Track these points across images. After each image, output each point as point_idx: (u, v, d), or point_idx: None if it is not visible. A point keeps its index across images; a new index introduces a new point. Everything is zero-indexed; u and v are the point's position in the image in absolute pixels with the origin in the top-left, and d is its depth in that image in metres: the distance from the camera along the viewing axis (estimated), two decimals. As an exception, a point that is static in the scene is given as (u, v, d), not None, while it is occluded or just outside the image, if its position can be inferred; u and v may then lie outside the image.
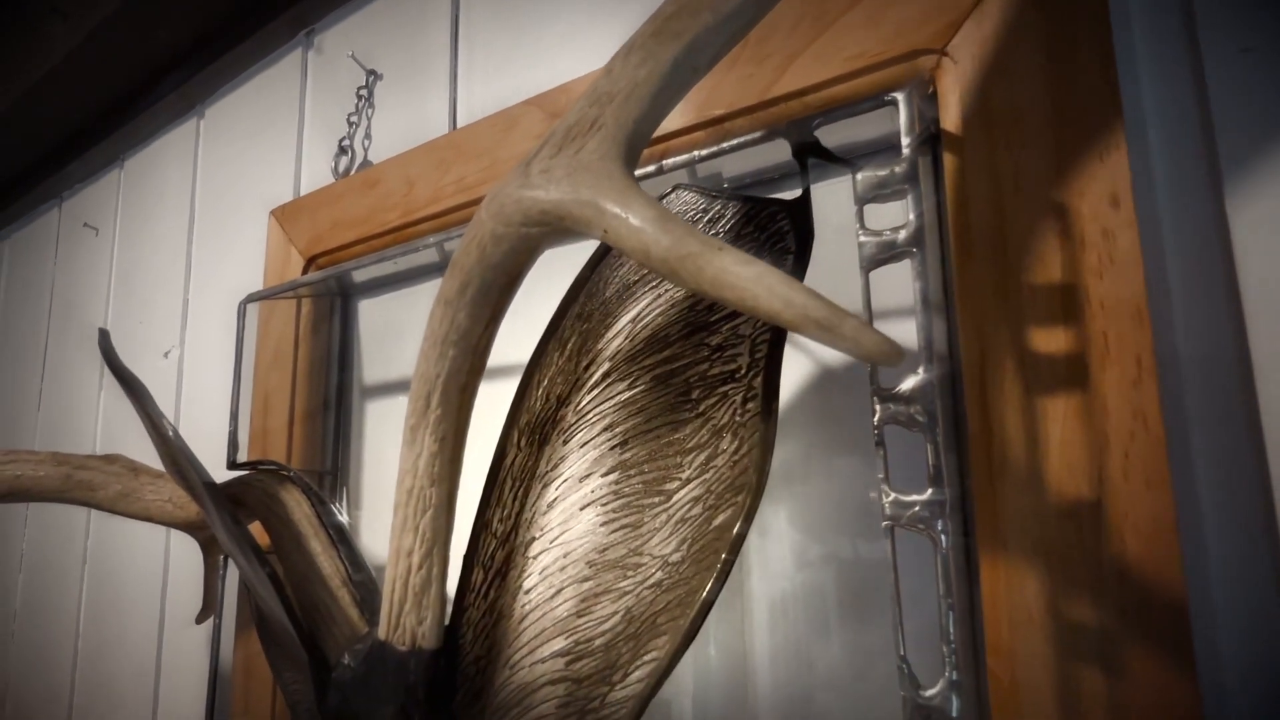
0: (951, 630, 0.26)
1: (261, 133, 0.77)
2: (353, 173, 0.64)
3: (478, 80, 0.59)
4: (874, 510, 0.37)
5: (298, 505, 0.47)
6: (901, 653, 0.27)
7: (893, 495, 0.28)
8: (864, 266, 0.30)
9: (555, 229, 0.28)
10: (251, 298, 0.58)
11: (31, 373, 1.07)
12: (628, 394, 0.35)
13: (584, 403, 0.36)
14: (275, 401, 0.62)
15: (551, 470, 0.37)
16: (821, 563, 0.39)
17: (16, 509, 1.03)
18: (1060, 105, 0.31)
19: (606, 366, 0.36)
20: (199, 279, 0.82)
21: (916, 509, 0.27)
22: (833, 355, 0.39)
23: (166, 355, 0.84)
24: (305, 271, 0.62)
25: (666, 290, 0.34)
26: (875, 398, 0.29)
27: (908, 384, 0.28)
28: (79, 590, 0.90)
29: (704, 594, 0.31)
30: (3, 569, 1.05)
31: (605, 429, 0.35)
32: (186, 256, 0.84)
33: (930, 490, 0.27)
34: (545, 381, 0.38)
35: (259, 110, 0.78)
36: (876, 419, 0.29)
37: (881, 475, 0.28)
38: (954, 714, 0.25)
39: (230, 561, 0.58)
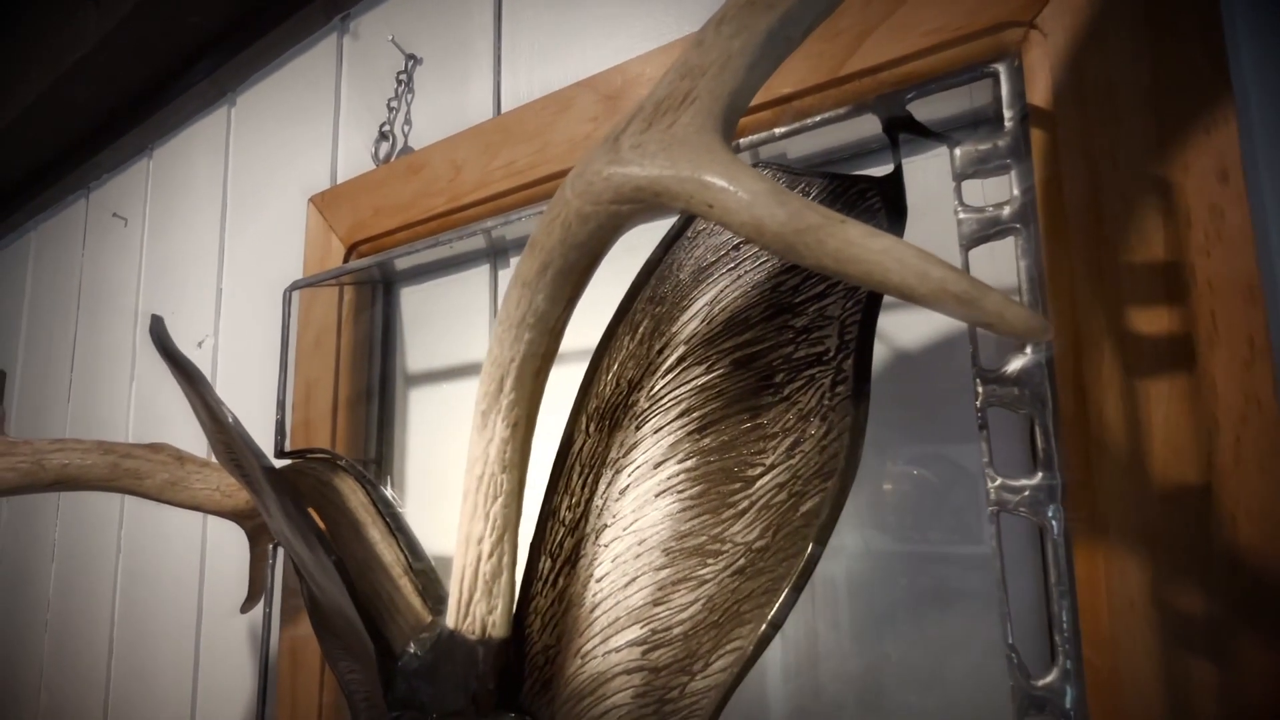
0: (1064, 618, 0.25)
1: (296, 120, 0.77)
2: (394, 159, 0.64)
3: (522, 63, 0.58)
4: (954, 497, 0.36)
5: (353, 493, 0.46)
6: (1010, 641, 0.26)
7: (999, 480, 0.27)
8: (963, 244, 0.29)
9: (649, 206, 0.27)
10: (298, 284, 0.57)
11: (60, 364, 1.07)
12: (705, 378, 0.34)
13: (658, 387, 0.36)
14: (318, 390, 0.61)
15: (624, 456, 0.36)
16: (898, 552, 0.38)
17: (48, 498, 1.04)
18: (1161, 77, 0.30)
19: (682, 350, 0.35)
20: (232, 268, 0.82)
21: (1026, 494, 0.26)
22: (914, 337, 0.38)
23: (200, 345, 0.83)
24: (347, 259, 0.62)
25: (746, 272, 0.34)
26: (978, 380, 0.28)
27: (1013, 366, 0.27)
28: (113, 580, 0.90)
29: (791, 581, 0.30)
30: (35, 559, 1.05)
31: (681, 414, 0.35)
32: (219, 245, 0.84)
33: (1040, 474, 0.26)
34: (615, 366, 0.37)
35: (293, 97, 0.78)
36: (980, 402, 0.28)
37: (986, 460, 0.27)
38: (1068, 704, 0.24)
39: (279, 550, 0.57)
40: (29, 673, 1.01)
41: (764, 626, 0.31)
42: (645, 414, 0.36)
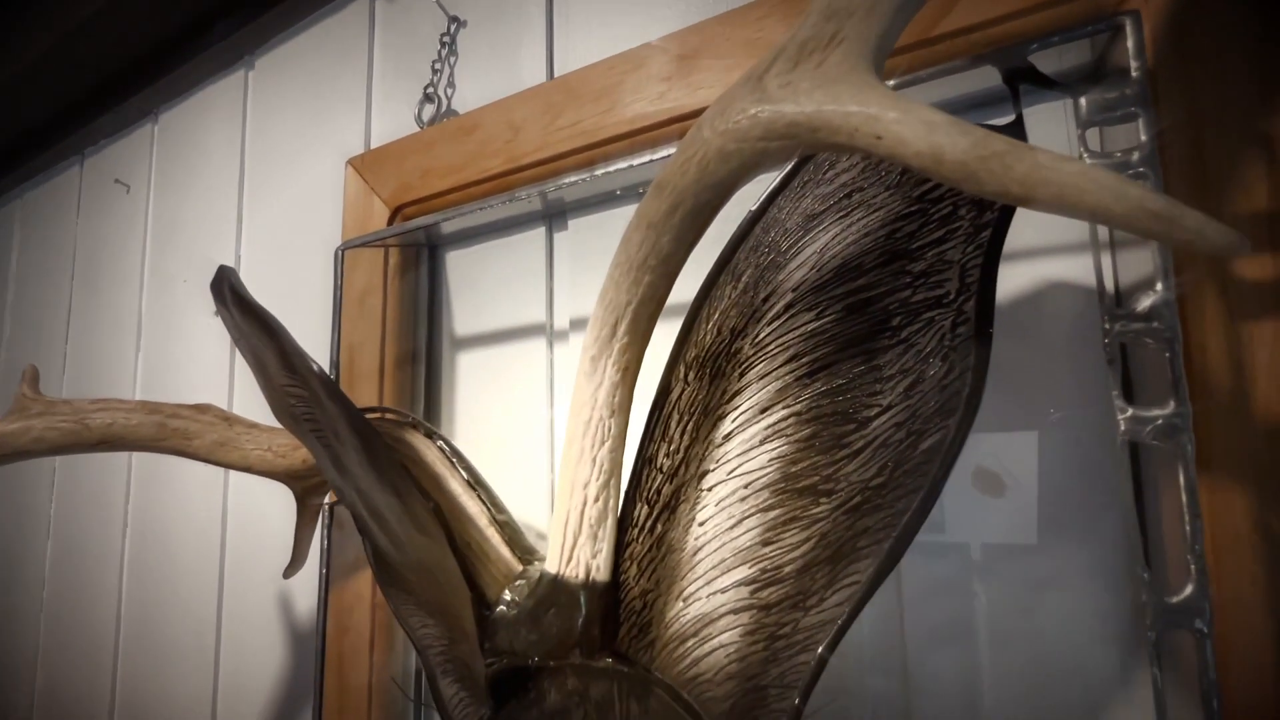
0: (1198, 542, 0.26)
1: (324, 83, 0.75)
2: (440, 121, 0.63)
3: (576, 25, 0.58)
4: (1053, 430, 0.37)
5: (427, 448, 0.46)
6: (1145, 561, 0.27)
7: (1130, 411, 0.28)
8: (1088, 189, 0.30)
9: (802, 142, 0.27)
10: (350, 244, 0.57)
11: (53, 335, 1.04)
12: (815, 324, 0.35)
13: (763, 335, 0.36)
14: (362, 354, 0.60)
15: (727, 403, 0.37)
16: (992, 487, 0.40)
17: (43, 472, 1.00)
18: (1271, 30, 0.31)
19: (789, 297, 0.36)
20: (253, 235, 0.80)
21: (1159, 422, 0.27)
22: (1026, 281, 0.39)
23: (216, 313, 0.81)
24: (391, 221, 0.61)
25: (857, 220, 0.34)
26: (1107, 317, 0.29)
27: (1145, 304, 0.28)
28: (120, 556, 0.88)
29: (909, 516, 0.32)
30: (29, 535, 1.01)
31: (789, 360, 0.35)
32: (237, 212, 0.82)
33: (1173, 404, 0.27)
34: (716, 315, 0.38)
35: (321, 60, 0.76)
36: (1109, 338, 0.29)
37: (1116, 392, 0.29)
38: (1200, 621, 0.26)
39: (333, 512, 0.57)
40: (24, 652, 0.97)
41: (882, 560, 0.32)
42: (750, 361, 0.36)
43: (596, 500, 0.36)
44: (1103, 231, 0.35)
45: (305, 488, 0.55)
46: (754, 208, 0.37)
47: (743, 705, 0.35)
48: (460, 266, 0.62)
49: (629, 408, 0.36)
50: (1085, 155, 0.30)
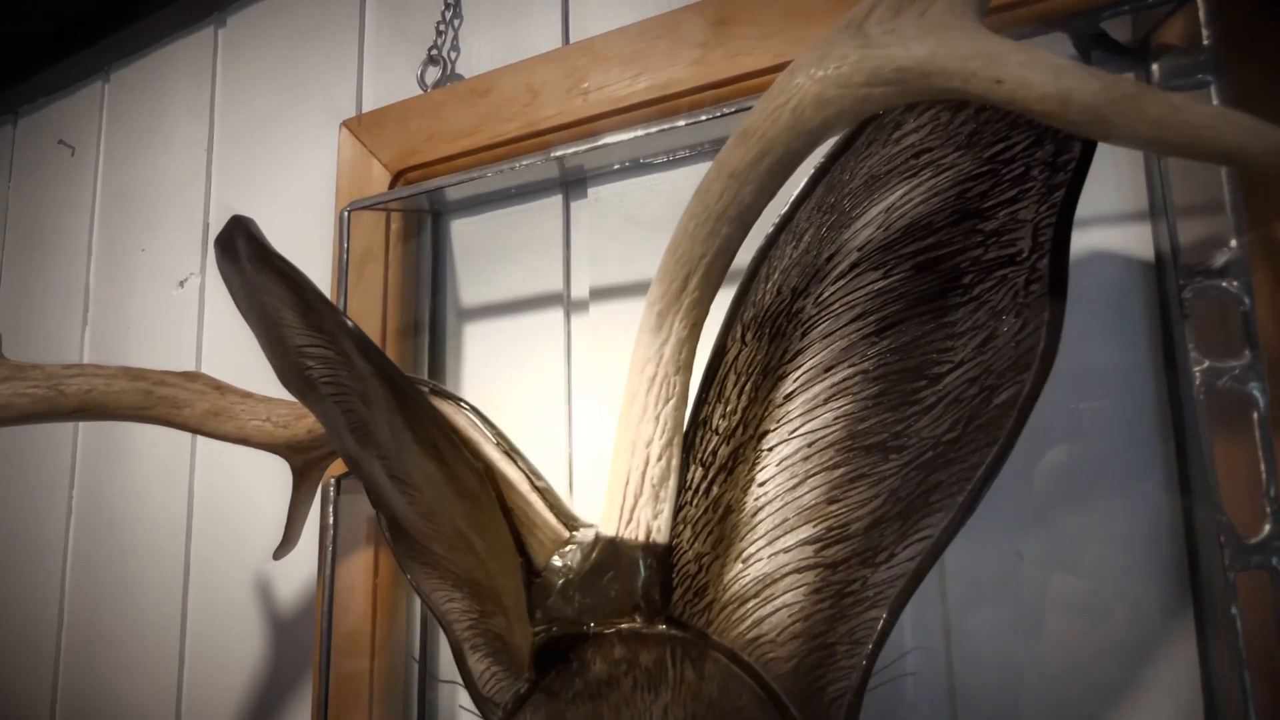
0: (1273, 485, 0.28)
1: (308, 43, 0.72)
2: (446, 85, 0.61)
3: (593, -10, 0.57)
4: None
5: (457, 413, 0.44)
6: (1221, 506, 0.28)
7: (1206, 363, 0.29)
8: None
9: (910, 88, 0.27)
10: (357, 205, 0.54)
11: (-20, 308, 0.95)
12: (883, 282, 0.35)
13: (827, 294, 0.36)
14: (362, 323, 0.57)
15: (788, 363, 0.37)
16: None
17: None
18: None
19: (855, 257, 0.36)
20: (223, 202, 0.75)
21: (1235, 372, 0.29)
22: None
23: (183, 284, 0.76)
24: (393, 186, 0.59)
25: (926, 180, 0.35)
26: (1180, 274, 0.30)
27: (1219, 260, 0.30)
28: (63, 547, 0.81)
29: (983, 469, 0.32)
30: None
31: (855, 319, 0.35)
32: (206, 177, 0.77)
33: (1247, 353, 0.29)
34: (776, 275, 0.37)
35: (304, 19, 0.72)
36: (1186, 292, 0.30)
37: (1191, 345, 0.30)
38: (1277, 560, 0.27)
39: (339, 487, 0.54)
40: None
41: (955, 513, 0.33)
42: (813, 320, 0.36)
43: (659, 460, 0.35)
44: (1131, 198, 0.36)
45: (306, 461, 0.52)
46: (816, 168, 0.37)
47: (808, 664, 0.35)
48: (466, 235, 0.60)
49: (692, 366, 0.36)
50: (1158, 118, 0.31)
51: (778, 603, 0.36)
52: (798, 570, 0.36)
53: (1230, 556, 0.28)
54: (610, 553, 0.36)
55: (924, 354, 0.34)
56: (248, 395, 0.52)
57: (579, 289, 0.55)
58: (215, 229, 0.75)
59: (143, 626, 0.72)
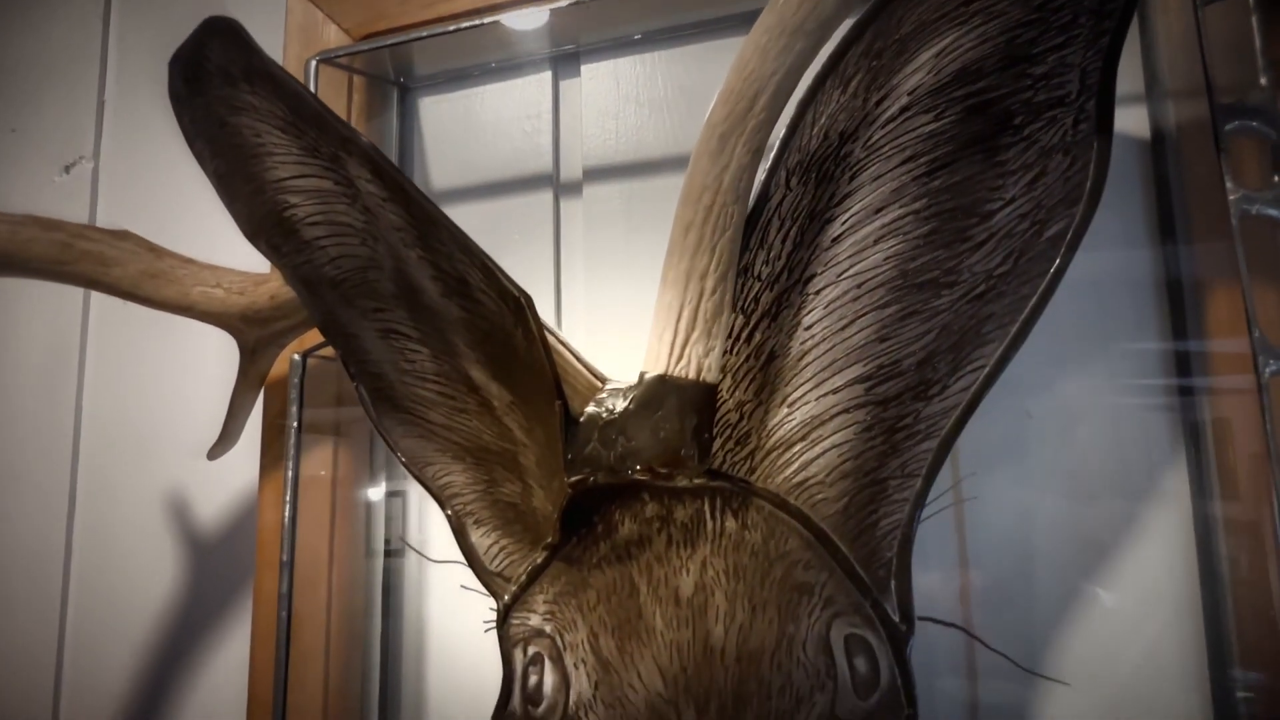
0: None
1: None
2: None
3: None
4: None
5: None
6: (1254, 319, 0.31)
7: (1240, 192, 0.32)
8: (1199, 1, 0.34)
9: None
10: (329, 55, 0.48)
11: None
12: (933, 125, 0.35)
13: (876, 138, 0.36)
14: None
15: (836, 206, 0.36)
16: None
17: None
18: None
19: (905, 101, 0.36)
20: (128, 75, 0.65)
21: (1269, 194, 0.31)
22: None
23: (70, 169, 0.66)
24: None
25: (976, 26, 0.35)
26: (1215, 113, 0.33)
27: (1254, 99, 0.32)
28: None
29: (1035, 299, 0.33)
30: None
31: (905, 160, 0.35)
32: (101, 47, 0.66)
33: (1276, 179, 0.31)
34: (823, 120, 0.37)
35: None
36: (1229, 127, 0.32)
37: (1228, 175, 0.32)
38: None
39: (305, 365, 0.47)
40: None
41: (1007, 343, 0.33)
42: (862, 163, 0.36)
43: (714, 293, 0.34)
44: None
45: (262, 336, 0.45)
46: (861, 15, 0.37)
47: (859, 501, 0.35)
48: (438, 113, 0.56)
49: (749, 197, 0.34)
50: None
51: (826, 444, 0.35)
52: (847, 410, 0.35)
53: (1261, 363, 0.30)
54: (658, 391, 0.34)
55: (975, 193, 0.34)
56: (189, 260, 0.45)
57: (571, 170, 0.52)
58: (113, 106, 0.65)
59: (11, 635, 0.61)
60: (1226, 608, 0.37)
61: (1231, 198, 0.31)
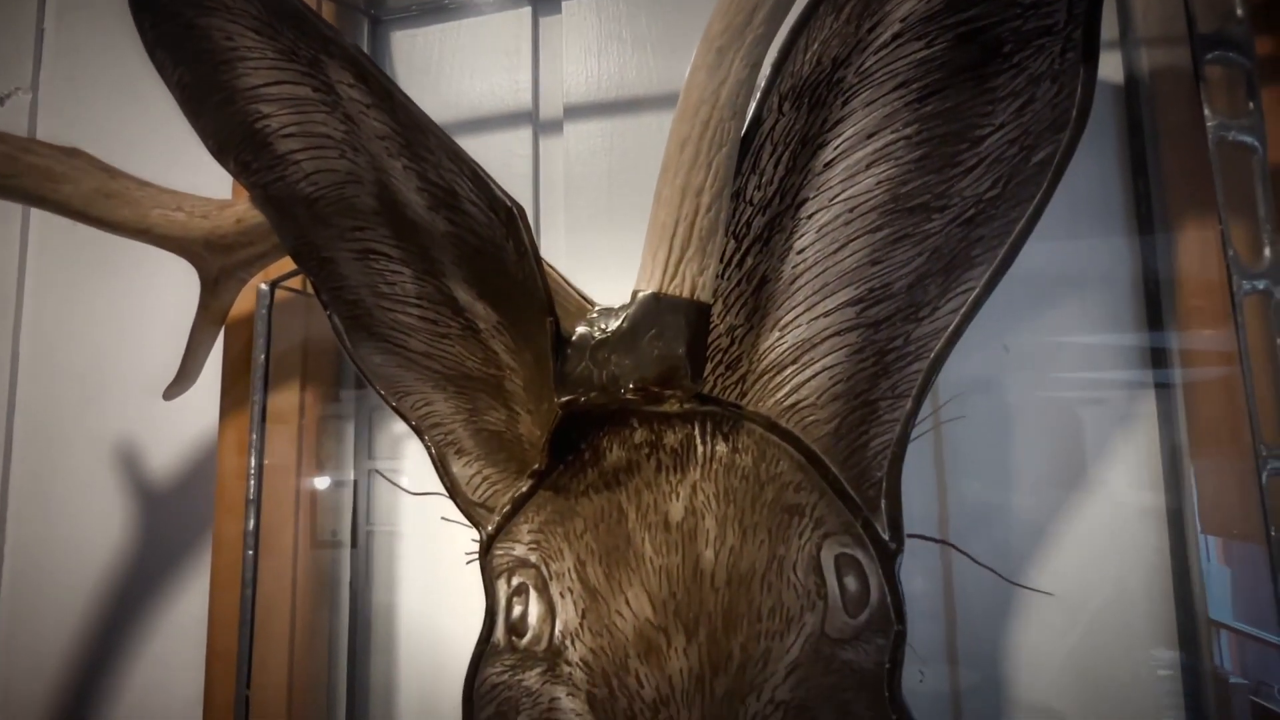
0: (1269, 220, 0.31)
1: None
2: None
3: None
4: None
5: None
6: (1229, 239, 0.32)
7: (1217, 120, 0.33)
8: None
9: None
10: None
11: None
12: (925, 52, 0.35)
13: (869, 64, 0.36)
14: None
15: (828, 131, 0.36)
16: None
17: None
18: None
19: (897, 28, 0.36)
20: (69, 1, 0.61)
21: (1242, 124, 0.32)
22: None
23: (4, 101, 0.61)
24: (323, -14, 0.51)
25: (967, -44, 0.36)
26: (1196, 44, 0.34)
27: (1231, 32, 0.33)
28: None
29: (1023, 222, 0.34)
30: None
31: (898, 87, 0.36)
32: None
33: (1251, 105, 0.33)
34: (815, 46, 0.37)
35: None
36: (1202, 61, 0.33)
37: (1206, 104, 0.33)
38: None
39: (273, 294, 0.45)
40: None
41: (996, 265, 0.34)
42: (854, 89, 0.36)
43: (709, 210, 0.33)
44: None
45: (225, 265, 0.43)
46: (859, -58, 0.37)
47: (850, 422, 0.35)
48: (410, 47, 0.54)
49: (745, 113, 0.34)
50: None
51: (817, 366, 0.35)
52: (839, 333, 0.35)
53: (1236, 282, 0.31)
54: (652, 309, 0.33)
55: (966, 118, 0.35)
56: (147, 183, 0.43)
57: (551, 109, 0.51)
58: (54, 35, 0.61)
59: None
60: (1192, 523, 0.38)
61: (1210, 124, 0.33)
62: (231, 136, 0.37)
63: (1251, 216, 0.32)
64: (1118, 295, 0.41)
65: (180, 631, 0.49)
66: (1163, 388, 0.40)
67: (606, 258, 0.48)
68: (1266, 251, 0.31)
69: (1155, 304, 0.40)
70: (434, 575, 0.48)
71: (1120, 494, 0.40)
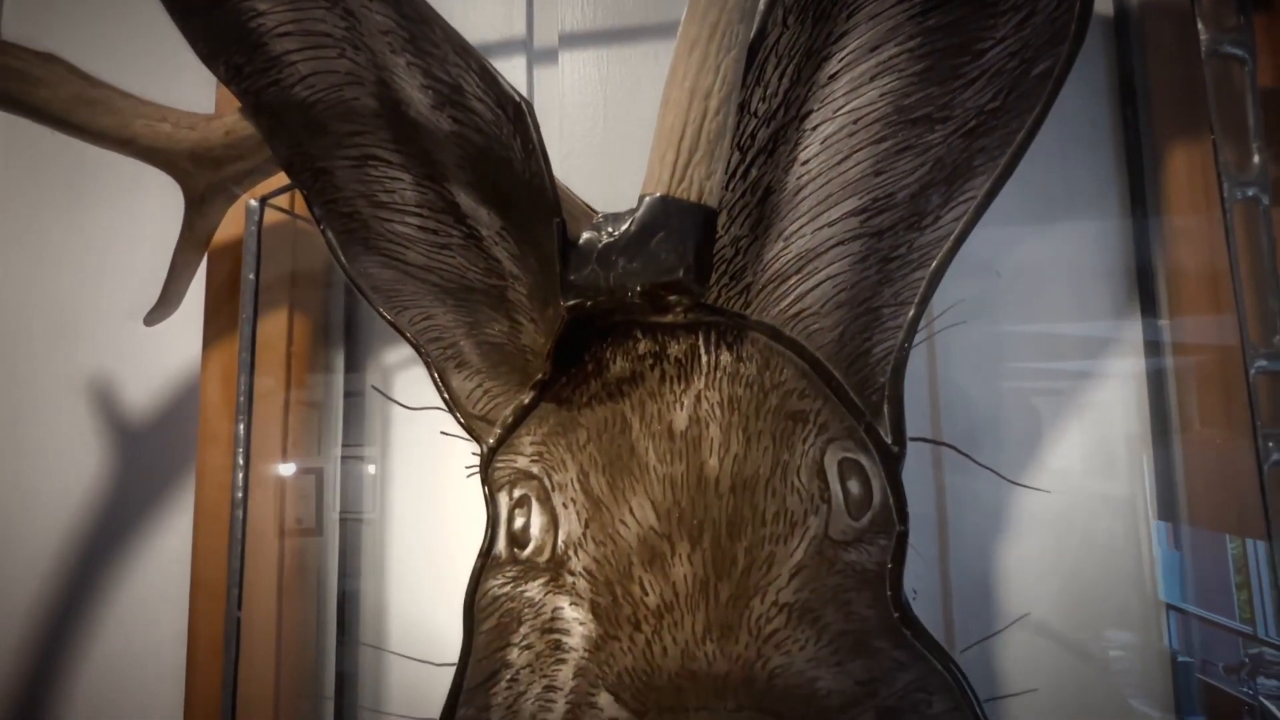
0: (1259, 130, 0.32)
1: None
2: None
3: None
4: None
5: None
6: (1219, 147, 0.33)
7: (1208, 34, 0.34)
8: None
9: None
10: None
11: None
12: (928, -34, 0.36)
13: (873, -24, 0.36)
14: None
15: (832, 44, 0.36)
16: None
17: None
18: None
19: (901, -59, 0.36)
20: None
21: (1232, 37, 0.33)
22: None
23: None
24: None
25: (972, -127, 0.36)
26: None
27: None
28: None
29: (1023, 133, 0.34)
30: None
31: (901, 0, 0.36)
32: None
33: (1239, 19, 0.33)
34: (820, -41, 0.37)
35: None
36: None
37: (1200, 20, 0.34)
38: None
39: (262, 212, 0.44)
40: None
41: (997, 175, 0.35)
42: (858, 2, 0.36)
43: (717, 114, 0.33)
44: None
45: (212, 181, 0.42)
46: None
47: (854, 330, 0.35)
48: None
49: (753, 17, 0.34)
50: None
51: (821, 275, 0.36)
52: (842, 242, 0.36)
53: (1227, 189, 0.32)
54: (660, 212, 0.33)
55: (968, 31, 0.35)
56: (129, 95, 0.41)
57: (545, 37, 0.50)
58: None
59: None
60: (1174, 446, 0.40)
61: (1203, 38, 0.33)
62: (222, 37, 0.36)
63: (1242, 126, 0.33)
64: (1106, 218, 0.42)
65: (163, 566, 0.48)
66: (1150, 315, 0.41)
67: (601, 194, 0.48)
68: (1256, 159, 0.32)
69: (1143, 215, 0.41)
70: (424, 499, 0.48)
71: (1106, 414, 0.41)
